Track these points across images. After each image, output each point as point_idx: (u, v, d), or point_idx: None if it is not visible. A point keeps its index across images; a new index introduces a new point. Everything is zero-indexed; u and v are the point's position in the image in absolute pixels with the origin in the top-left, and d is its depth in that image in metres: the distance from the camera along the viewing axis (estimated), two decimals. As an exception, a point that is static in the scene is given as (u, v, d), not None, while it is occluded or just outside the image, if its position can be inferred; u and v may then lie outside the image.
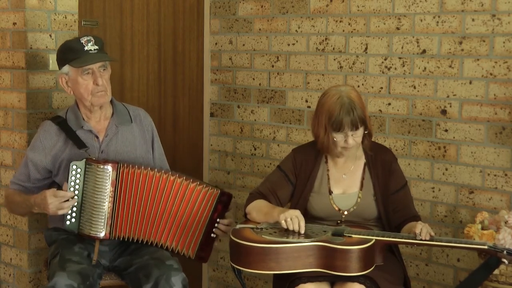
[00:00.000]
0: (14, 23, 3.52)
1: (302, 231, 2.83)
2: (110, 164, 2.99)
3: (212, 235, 3.07)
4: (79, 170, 2.98)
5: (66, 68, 3.10)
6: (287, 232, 2.88)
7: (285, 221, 2.86)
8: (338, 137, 2.93)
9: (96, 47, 3.08)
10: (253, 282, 4.23)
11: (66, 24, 3.60)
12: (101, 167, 2.98)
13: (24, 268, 3.60)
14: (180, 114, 4.31)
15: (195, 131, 4.39)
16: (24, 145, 3.52)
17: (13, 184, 3.19)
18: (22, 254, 3.60)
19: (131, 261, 3.05)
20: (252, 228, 2.92)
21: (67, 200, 2.94)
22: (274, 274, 2.90)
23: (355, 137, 2.93)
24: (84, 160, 2.99)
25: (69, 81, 3.12)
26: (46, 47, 3.54)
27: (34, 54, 3.50)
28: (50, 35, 3.55)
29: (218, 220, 3.05)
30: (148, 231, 3.05)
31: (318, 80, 3.90)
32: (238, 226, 2.98)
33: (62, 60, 3.11)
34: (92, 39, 3.09)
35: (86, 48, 3.06)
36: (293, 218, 2.86)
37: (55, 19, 3.56)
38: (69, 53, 3.08)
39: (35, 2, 3.49)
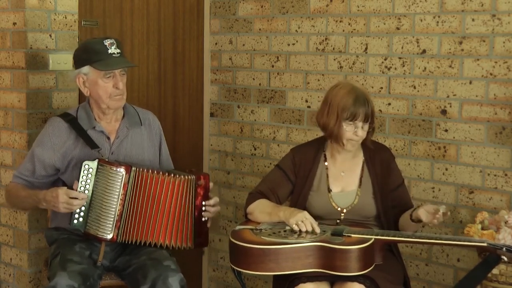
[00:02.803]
0: (14, 23, 3.52)
1: (318, 230, 2.86)
2: (123, 167, 2.97)
3: (203, 219, 3.08)
4: (91, 170, 2.96)
5: (86, 68, 3.07)
6: (286, 232, 2.88)
7: (297, 225, 2.89)
8: (348, 128, 2.96)
9: (118, 50, 3.07)
10: (253, 282, 4.23)
11: (66, 24, 3.60)
12: (114, 169, 2.96)
13: (24, 268, 3.60)
14: (180, 114, 4.30)
15: (195, 131, 4.39)
16: (24, 145, 3.52)
17: (17, 178, 3.15)
18: (22, 254, 3.60)
19: (130, 261, 3.05)
20: (252, 229, 2.93)
21: (77, 198, 2.93)
22: (274, 275, 2.90)
23: (364, 130, 2.98)
24: (97, 160, 2.97)
25: (87, 82, 3.09)
26: (46, 47, 3.54)
27: (34, 54, 3.50)
28: (50, 35, 3.55)
29: (204, 203, 3.07)
30: (150, 233, 3.04)
31: (318, 80, 3.90)
32: (237, 227, 2.99)
33: (84, 60, 3.08)
34: (114, 42, 3.07)
35: (109, 51, 3.05)
36: (304, 221, 2.89)
37: (55, 19, 3.56)
38: (93, 55, 3.05)
39: (35, 2, 3.49)
